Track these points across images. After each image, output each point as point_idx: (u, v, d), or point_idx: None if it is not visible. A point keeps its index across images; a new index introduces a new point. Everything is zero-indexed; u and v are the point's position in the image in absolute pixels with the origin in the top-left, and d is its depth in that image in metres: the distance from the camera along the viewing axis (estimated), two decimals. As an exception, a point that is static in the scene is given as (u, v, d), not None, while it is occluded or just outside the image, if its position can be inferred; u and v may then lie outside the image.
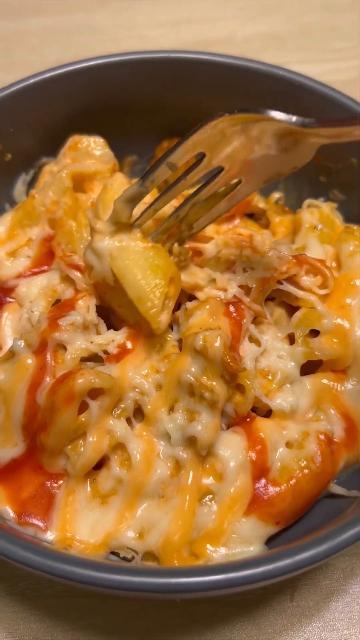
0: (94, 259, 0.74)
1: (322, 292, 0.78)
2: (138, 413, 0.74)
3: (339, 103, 0.88)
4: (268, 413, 0.75)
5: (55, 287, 0.81)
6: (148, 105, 0.94)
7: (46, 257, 0.85)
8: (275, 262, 0.77)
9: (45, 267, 0.84)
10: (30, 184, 0.95)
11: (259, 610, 0.76)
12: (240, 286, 0.77)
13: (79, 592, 0.76)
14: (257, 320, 0.77)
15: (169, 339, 0.76)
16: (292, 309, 0.80)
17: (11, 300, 0.83)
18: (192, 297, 0.78)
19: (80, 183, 0.89)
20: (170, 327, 0.79)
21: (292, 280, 0.79)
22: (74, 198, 0.86)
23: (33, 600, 0.76)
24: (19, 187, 0.94)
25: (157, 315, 0.71)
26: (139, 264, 0.72)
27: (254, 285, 0.76)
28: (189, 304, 0.76)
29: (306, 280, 0.78)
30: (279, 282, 0.78)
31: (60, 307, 0.77)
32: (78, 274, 0.78)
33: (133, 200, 0.70)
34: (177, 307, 0.79)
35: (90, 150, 0.90)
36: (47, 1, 1.44)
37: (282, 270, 0.77)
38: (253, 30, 1.41)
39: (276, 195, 0.98)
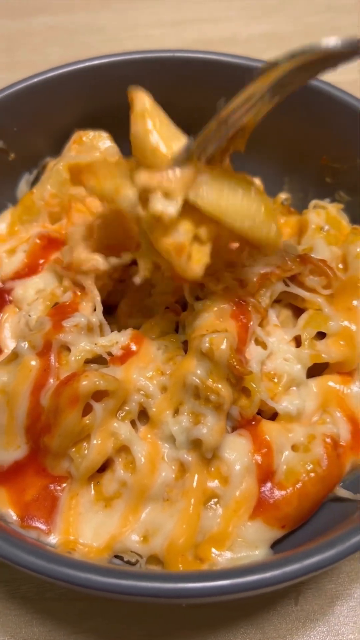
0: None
1: (326, 292, 0.77)
2: (142, 415, 0.73)
3: (343, 102, 0.87)
4: (274, 416, 0.74)
5: (54, 291, 0.80)
6: (152, 105, 0.94)
7: (41, 250, 0.84)
8: (278, 261, 0.76)
9: (41, 261, 0.83)
10: (34, 184, 0.94)
11: (263, 614, 0.75)
12: (238, 280, 0.76)
13: (80, 595, 0.75)
14: (263, 322, 0.77)
15: (173, 340, 0.76)
16: (298, 311, 0.79)
17: (11, 299, 0.82)
18: (198, 298, 0.77)
19: (77, 175, 0.88)
20: (176, 328, 0.78)
21: (297, 280, 0.78)
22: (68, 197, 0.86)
23: (35, 603, 0.75)
24: (22, 187, 0.94)
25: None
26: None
27: (254, 279, 0.75)
28: (196, 305, 0.75)
29: (311, 279, 0.77)
30: (286, 284, 0.77)
31: (62, 308, 0.76)
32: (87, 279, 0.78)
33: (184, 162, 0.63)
34: (184, 308, 0.78)
35: (95, 143, 0.90)
36: (51, 1, 1.44)
37: (285, 267, 0.76)
38: (256, 30, 1.41)
39: (282, 196, 0.97)
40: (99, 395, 0.69)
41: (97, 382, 0.67)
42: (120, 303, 0.82)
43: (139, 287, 0.79)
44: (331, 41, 0.55)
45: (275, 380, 0.74)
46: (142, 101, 0.66)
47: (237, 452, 0.70)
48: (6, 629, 0.74)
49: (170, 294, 0.79)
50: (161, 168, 0.64)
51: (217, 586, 0.55)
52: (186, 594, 0.55)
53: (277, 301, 0.80)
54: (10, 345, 0.79)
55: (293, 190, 0.97)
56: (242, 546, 0.68)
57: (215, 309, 0.73)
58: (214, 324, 0.72)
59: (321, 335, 0.76)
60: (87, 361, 0.73)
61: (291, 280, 0.78)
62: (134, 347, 0.74)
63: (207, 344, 0.69)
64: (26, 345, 0.71)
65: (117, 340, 0.74)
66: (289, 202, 0.98)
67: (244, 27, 1.41)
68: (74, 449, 0.69)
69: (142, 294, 0.82)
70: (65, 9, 1.43)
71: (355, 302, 0.76)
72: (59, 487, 0.70)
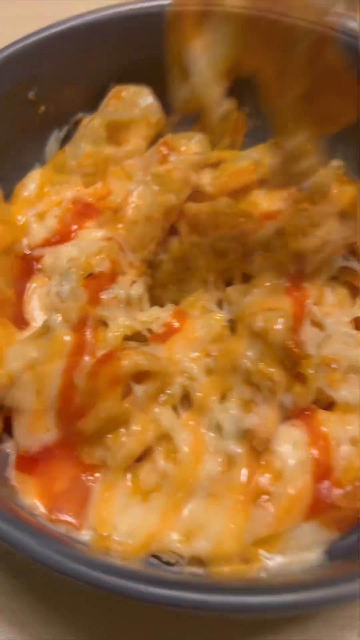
0: None
1: None
2: (184, 401, 0.66)
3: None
4: (328, 405, 0.68)
5: (89, 260, 0.72)
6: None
7: (75, 216, 0.77)
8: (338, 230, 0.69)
9: (74, 227, 0.76)
10: (64, 142, 0.86)
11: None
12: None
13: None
14: (319, 301, 0.69)
15: (218, 318, 0.69)
16: (355, 291, 0.72)
17: (40, 267, 0.75)
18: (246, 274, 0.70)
19: (114, 133, 0.80)
20: (220, 306, 0.71)
21: (355, 252, 0.71)
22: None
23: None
24: (52, 145, 0.85)
25: None
26: None
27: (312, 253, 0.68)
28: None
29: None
30: (345, 259, 0.70)
31: (97, 279, 0.69)
32: None
33: None
34: (228, 283, 0.71)
35: (136, 99, 0.81)
36: None
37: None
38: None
39: (334, 163, 0.89)
40: (139, 376, 0.62)
41: (140, 362, 0.60)
42: (156, 273, 0.75)
43: (177, 259, 0.73)
44: None
45: (334, 365, 0.67)
46: None
47: (291, 444, 0.63)
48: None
49: (211, 271, 0.73)
50: None
51: (279, 602, 0.49)
52: (245, 608, 0.49)
53: (332, 279, 0.73)
54: (38, 317, 0.72)
55: (348, 157, 0.88)
56: (294, 549, 0.62)
57: (268, 283, 0.67)
58: (266, 301, 0.66)
59: (384, 317, 0.69)
60: (125, 338, 0.66)
61: (350, 255, 0.71)
62: (176, 324, 0.68)
63: (261, 323, 0.62)
64: (59, 319, 0.64)
65: (158, 316, 0.68)
66: (342, 170, 0.89)
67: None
68: (110, 436, 0.62)
69: (180, 265, 0.75)
70: None
71: None
72: (91, 478, 0.63)
